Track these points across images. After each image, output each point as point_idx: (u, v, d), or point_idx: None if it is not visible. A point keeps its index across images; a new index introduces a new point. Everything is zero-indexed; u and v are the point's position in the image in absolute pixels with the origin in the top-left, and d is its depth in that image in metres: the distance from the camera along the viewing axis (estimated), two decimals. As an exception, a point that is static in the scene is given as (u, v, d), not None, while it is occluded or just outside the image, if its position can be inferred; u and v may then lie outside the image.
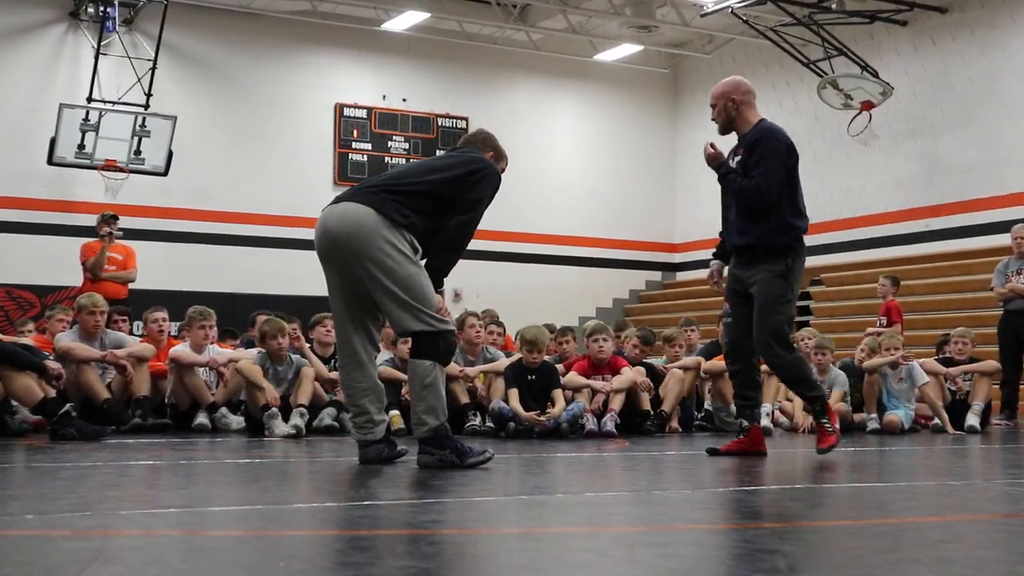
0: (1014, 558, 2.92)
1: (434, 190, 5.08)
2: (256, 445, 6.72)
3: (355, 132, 16.92)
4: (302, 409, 7.57)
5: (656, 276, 19.54)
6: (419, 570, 2.55)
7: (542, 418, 7.61)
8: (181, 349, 8.23)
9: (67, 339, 7.94)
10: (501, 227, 16.08)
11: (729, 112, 5.88)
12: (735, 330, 5.96)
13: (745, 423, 5.95)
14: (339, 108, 16.86)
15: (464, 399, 7.99)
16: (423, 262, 5.09)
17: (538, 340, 7.99)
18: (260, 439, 7.22)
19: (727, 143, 6.01)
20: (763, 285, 5.79)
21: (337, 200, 5.16)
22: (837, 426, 6.03)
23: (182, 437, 7.31)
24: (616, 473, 5.42)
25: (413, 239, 5.01)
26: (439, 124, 17.45)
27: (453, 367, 7.99)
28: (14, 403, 7.37)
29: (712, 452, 5.91)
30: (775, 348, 5.82)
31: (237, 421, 7.99)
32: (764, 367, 6.29)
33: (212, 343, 8.48)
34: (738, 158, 5.85)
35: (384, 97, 17.24)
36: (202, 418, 7.93)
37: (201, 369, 8.24)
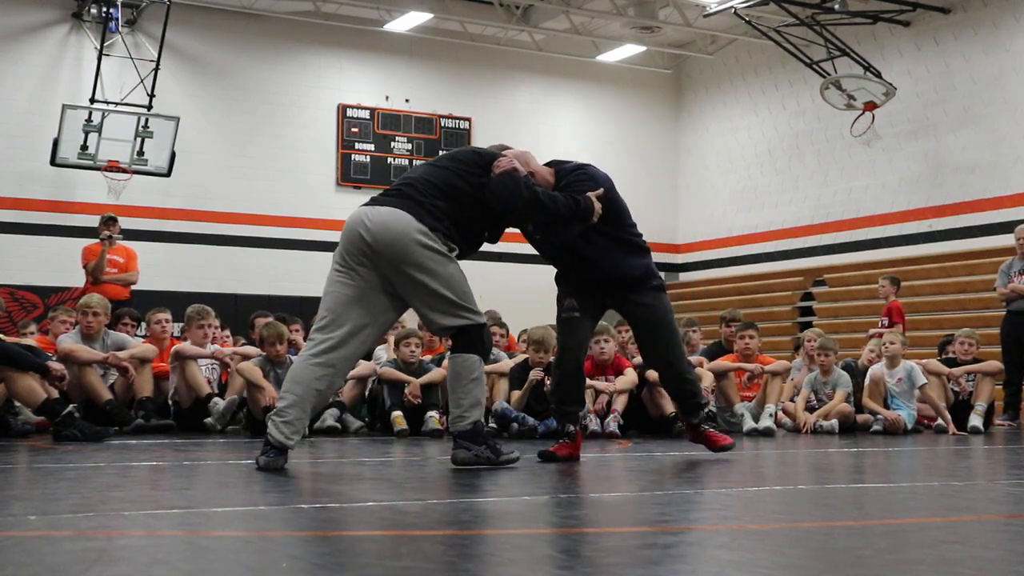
0: (1018, 558, 2.92)
1: (463, 193, 5.12)
2: (258, 446, 6.69)
3: (358, 133, 16.92)
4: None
5: (658, 277, 19.52)
6: (422, 571, 2.54)
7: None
8: (185, 343, 8.25)
9: (69, 341, 7.95)
10: (501, 229, 16.06)
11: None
12: (580, 326, 5.68)
13: (571, 427, 5.71)
14: (342, 109, 16.86)
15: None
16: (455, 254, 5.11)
17: (545, 340, 7.98)
18: (263, 440, 7.20)
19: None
20: (658, 303, 5.72)
21: (373, 202, 5.14)
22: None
23: (185, 438, 7.31)
24: (619, 474, 5.42)
25: (448, 241, 5.05)
26: (442, 125, 17.45)
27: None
28: (17, 404, 7.39)
29: (545, 457, 5.63)
30: (685, 363, 5.84)
31: (223, 404, 7.91)
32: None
33: (214, 342, 8.48)
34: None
35: (387, 98, 17.24)
36: (211, 420, 7.92)
37: (203, 367, 8.24)
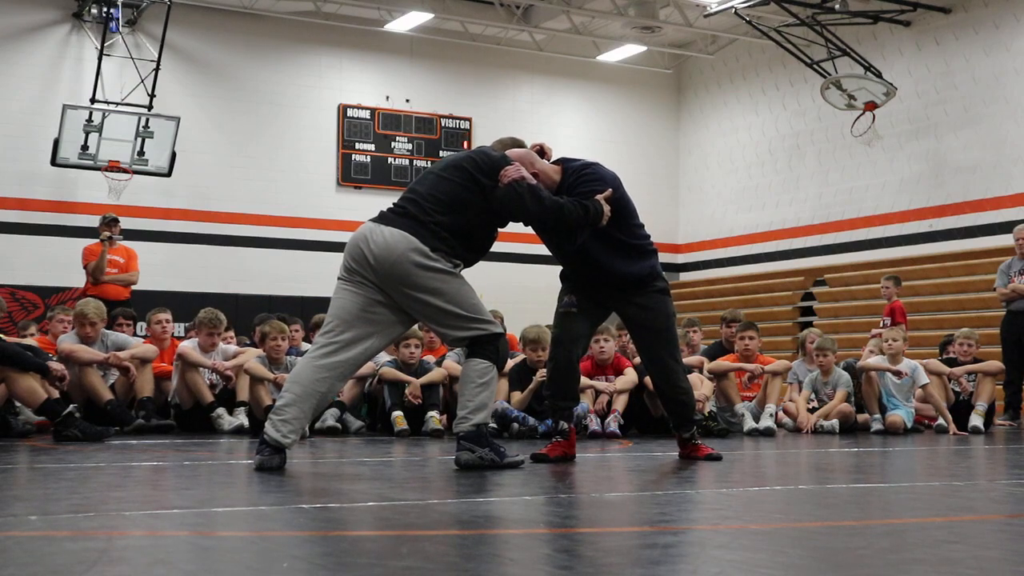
0: (1018, 558, 2.92)
1: (469, 205, 5.11)
2: (259, 446, 6.71)
3: (358, 133, 16.92)
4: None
5: (659, 277, 19.51)
6: (422, 571, 2.55)
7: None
8: (190, 347, 8.20)
9: (70, 341, 7.95)
10: (504, 227, 16.07)
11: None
12: (577, 323, 5.64)
13: (565, 425, 5.69)
14: (342, 109, 16.86)
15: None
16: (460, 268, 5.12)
17: (540, 339, 7.99)
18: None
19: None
20: (658, 307, 5.66)
21: (380, 219, 5.12)
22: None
23: (185, 438, 7.31)
24: (619, 474, 5.42)
25: (452, 258, 5.06)
26: (442, 125, 17.45)
27: (455, 367, 8.01)
28: (17, 404, 7.39)
29: (537, 458, 5.56)
30: (681, 373, 5.76)
31: (229, 421, 7.92)
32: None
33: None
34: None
35: (387, 98, 17.24)
36: (229, 419, 7.87)
37: (204, 371, 8.23)
